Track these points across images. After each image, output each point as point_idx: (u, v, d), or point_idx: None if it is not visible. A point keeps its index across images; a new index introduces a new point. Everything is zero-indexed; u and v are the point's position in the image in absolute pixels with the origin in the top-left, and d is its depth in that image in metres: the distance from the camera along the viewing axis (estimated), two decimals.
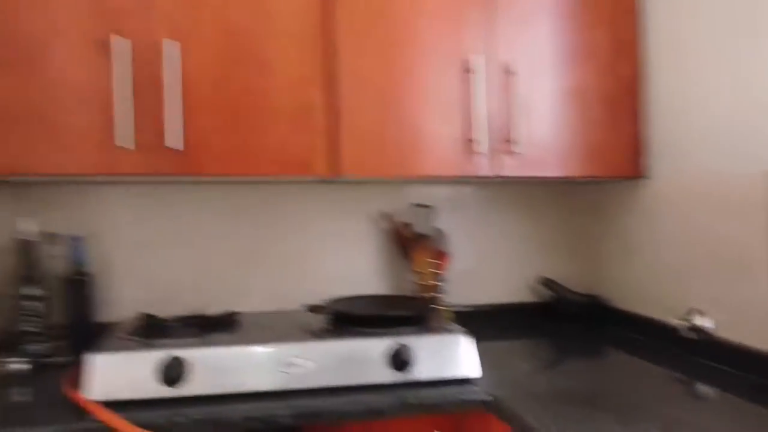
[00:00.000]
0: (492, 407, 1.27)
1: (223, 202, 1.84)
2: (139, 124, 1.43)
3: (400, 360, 1.35)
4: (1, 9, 1.38)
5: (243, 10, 1.50)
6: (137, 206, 1.78)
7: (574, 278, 2.08)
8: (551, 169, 1.68)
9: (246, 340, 1.36)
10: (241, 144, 1.49)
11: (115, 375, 1.24)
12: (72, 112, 1.41)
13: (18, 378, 1.39)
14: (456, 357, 1.38)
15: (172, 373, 1.25)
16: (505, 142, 1.65)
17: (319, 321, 1.53)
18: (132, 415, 1.17)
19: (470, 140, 1.62)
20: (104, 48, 1.42)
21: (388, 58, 1.59)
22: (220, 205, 1.84)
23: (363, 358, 1.35)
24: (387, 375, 1.35)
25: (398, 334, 1.39)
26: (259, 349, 1.32)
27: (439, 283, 1.83)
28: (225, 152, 1.48)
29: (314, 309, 1.53)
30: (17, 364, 1.39)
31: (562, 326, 1.92)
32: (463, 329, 1.46)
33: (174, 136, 1.44)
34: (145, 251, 1.79)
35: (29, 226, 1.53)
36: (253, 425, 1.19)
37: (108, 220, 1.76)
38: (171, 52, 1.44)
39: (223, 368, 1.29)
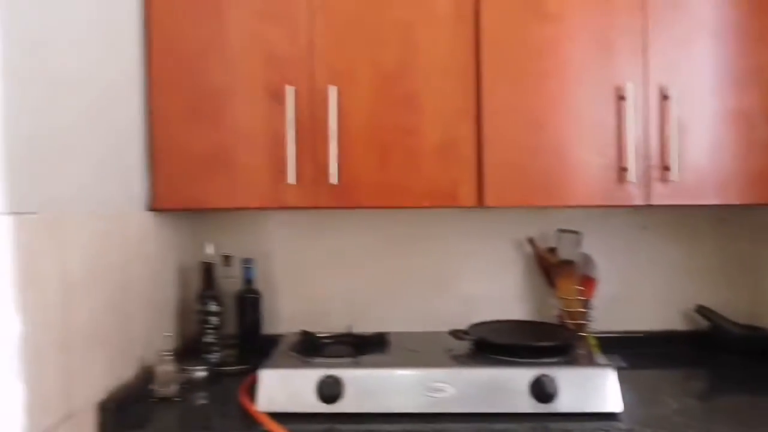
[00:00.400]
0: None
1: (375, 227, 1.97)
2: (303, 162, 1.58)
3: (543, 391, 1.37)
4: (194, 67, 1.60)
5: (396, 52, 1.60)
6: (298, 231, 1.97)
7: (735, 308, 1.96)
8: (708, 197, 1.61)
9: (395, 363, 1.47)
10: (392, 178, 1.60)
11: (280, 389, 1.39)
12: (248, 154, 1.59)
13: (198, 384, 1.59)
14: (600, 391, 1.38)
15: (329, 391, 1.38)
16: (659, 169, 1.60)
17: (462, 346, 1.59)
18: (291, 427, 1.30)
19: (622, 168, 1.60)
20: (276, 96, 1.59)
21: (535, 89, 1.61)
22: (371, 231, 1.97)
23: (506, 387, 1.39)
24: (529, 405, 1.38)
25: (542, 364, 1.42)
26: (406, 373, 1.41)
27: (585, 310, 1.81)
28: (377, 186, 1.60)
29: (458, 334, 1.59)
30: (199, 372, 1.59)
31: (719, 358, 1.82)
32: (608, 362, 1.45)
33: (333, 173, 1.57)
34: (304, 272, 1.96)
35: (210, 250, 1.75)
36: None
37: (273, 244, 1.96)
38: (331, 96, 1.57)
39: (374, 389, 1.39)
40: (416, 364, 1.45)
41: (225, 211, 1.91)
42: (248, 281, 1.80)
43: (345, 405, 1.38)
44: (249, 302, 1.79)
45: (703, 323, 1.94)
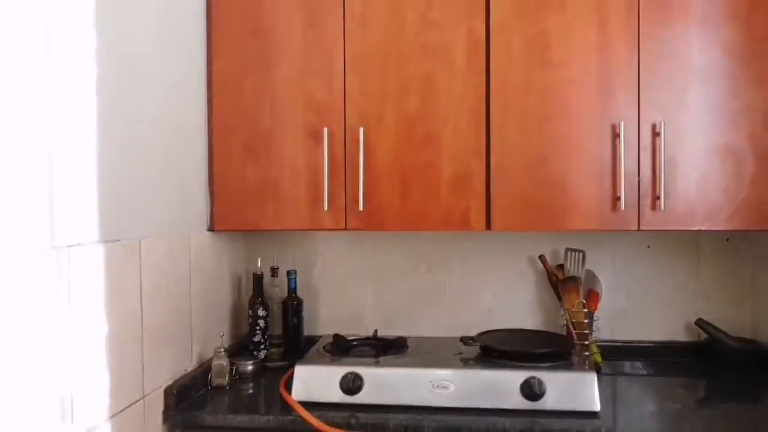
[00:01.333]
0: None
1: (404, 246, 2.24)
2: (336, 192, 1.87)
3: (531, 391, 1.61)
4: (248, 113, 1.91)
5: (417, 99, 1.86)
6: (337, 248, 2.27)
7: (737, 323, 2.11)
8: (696, 223, 1.79)
9: (408, 363, 1.74)
10: (412, 206, 1.86)
11: (311, 382, 1.69)
12: (292, 185, 1.90)
13: (247, 376, 1.90)
14: (581, 392, 1.61)
15: (350, 385, 1.66)
16: (650, 198, 1.80)
17: (471, 350, 1.84)
18: (319, 414, 1.59)
19: (617, 198, 1.80)
20: (314, 136, 1.88)
21: (539, 128, 1.83)
22: (401, 249, 2.24)
23: (501, 387, 1.64)
24: (519, 403, 1.62)
25: (532, 368, 1.65)
26: (416, 372, 1.68)
27: (590, 322, 2.02)
28: (400, 213, 1.86)
29: (467, 341, 1.84)
30: (248, 366, 1.90)
31: (714, 369, 1.99)
32: (594, 367, 1.67)
33: (361, 201, 1.85)
34: (340, 283, 2.26)
35: (259, 263, 2.06)
36: None
37: (315, 259, 2.27)
38: (360, 136, 1.85)
39: (389, 384, 1.67)
40: (425, 364, 1.71)
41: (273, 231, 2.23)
42: (292, 290, 2.10)
43: (364, 397, 1.66)
44: (292, 308, 2.09)
45: (704, 336, 2.12)
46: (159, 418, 1.60)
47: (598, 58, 1.82)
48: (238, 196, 1.92)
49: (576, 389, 1.61)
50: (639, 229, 1.82)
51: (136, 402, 1.48)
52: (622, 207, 1.79)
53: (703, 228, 1.80)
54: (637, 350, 2.14)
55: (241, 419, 1.61)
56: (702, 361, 2.08)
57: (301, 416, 1.58)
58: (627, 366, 2.05)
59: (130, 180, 1.48)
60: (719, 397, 1.80)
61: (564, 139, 1.83)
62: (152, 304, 1.56)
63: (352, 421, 1.58)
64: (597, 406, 1.59)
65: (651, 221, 1.81)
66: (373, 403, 1.65)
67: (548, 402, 1.61)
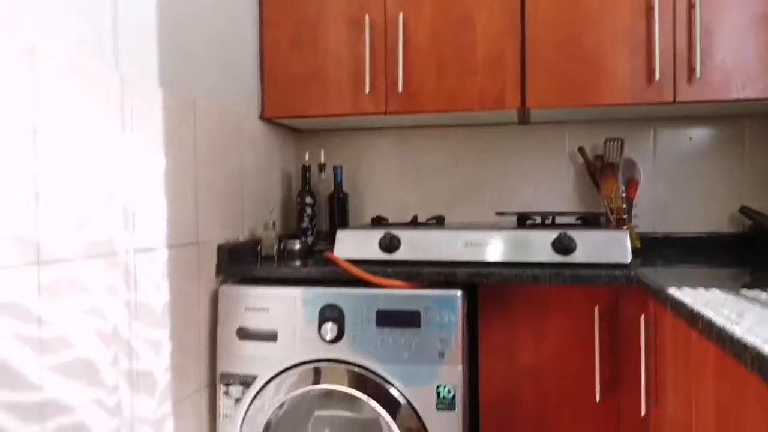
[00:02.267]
0: (635, 281, 1.52)
1: (445, 145, 2.31)
2: (376, 76, 1.98)
3: (563, 245, 1.66)
4: (296, 6, 2.04)
5: None
6: (380, 146, 2.37)
7: None
8: (733, 93, 1.80)
9: (443, 228, 1.81)
10: (449, 87, 1.94)
11: (353, 243, 1.79)
12: (336, 72, 2.02)
13: (295, 252, 2.02)
14: (614, 247, 1.65)
15: (389, 244, 1.75)
16: (686, 71, 1.82)
17: (506, 223, 1.90)
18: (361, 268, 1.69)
19: (651, 71, 1.83)
20: (356, 24, 1.99)
21: (572, 6, 1.88)
22: (442, 148, 2.32)
23: (532, 244, 1.69)
24: (551, 257, 1.67)
25: (566, 228, 1.70)
26: (452, 232, 1.75)
27: (629, 208, 2.04)
28: (436, 94, 1.95)
29: (502, 213, 1.90)
30: (296, 245, 2.02)
31: (760, 257, 1.96)
32: (623, 227, 1.70)
33: (401, 84, 1.95)
34: (383, 178, 2.36)
35: (307, 157, 2.19)
36: (437, 279, 1.63)
37: (359, 156, 2.38)
38: (399, 21, 1.94)
39: (424, 244, 1.75)
40: (460, 228, 1.79)
41: (322, 129, 2.35)
42: (338, 183, 2.21)
43: (401, 254, 1.75)
44: (338, 201, 2.20)
45: (747, 224, 2.09)
46: (212, 270, 1.74)
47: None
48: (286, 85, 2.05)
49: (607, 244, 1.66)
50: (675, 102, 1.83)
51: (191, 245, 1.62)
52: (656, 79, 1.81)
53: (740, 97, 1.80)
54: (678, 242, 2.14)
55: (287, 270, 1.73)
56: (747, 252, 2.06)
57: (340, 266, 1.68)
58: (666, 253, 2.05)
59: (186, 45, 1.62)
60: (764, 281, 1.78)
61: (597, 15, 1.87)
62: (205, 165, 1.70)
63: (389, 271, 1.67)
64: (628, 259, 1.63)
65: (687, 93, 1.83)
66: (409, 260, 1.74)
67: (579, 256, 1.66)
